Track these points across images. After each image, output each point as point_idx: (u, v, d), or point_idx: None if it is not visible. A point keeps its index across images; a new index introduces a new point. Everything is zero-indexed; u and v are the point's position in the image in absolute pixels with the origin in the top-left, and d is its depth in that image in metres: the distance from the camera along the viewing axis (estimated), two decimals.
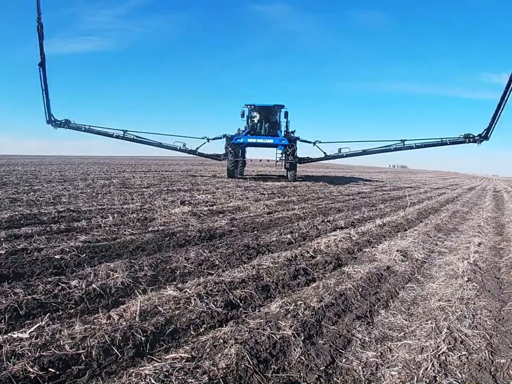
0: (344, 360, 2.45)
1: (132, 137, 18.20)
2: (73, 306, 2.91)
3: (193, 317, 2.80)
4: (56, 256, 3.97)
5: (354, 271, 4.15)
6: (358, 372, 2.33)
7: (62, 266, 3.77)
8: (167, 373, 2.07)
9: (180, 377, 2.05)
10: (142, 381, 2.00)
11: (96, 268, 3.69)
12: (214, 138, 18.92)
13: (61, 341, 2.31)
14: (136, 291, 3.24)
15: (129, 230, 5.51)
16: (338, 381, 2.25)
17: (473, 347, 2.65)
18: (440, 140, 16.89)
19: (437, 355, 2.49)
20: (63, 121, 17.25)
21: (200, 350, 2.39)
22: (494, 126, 14.96)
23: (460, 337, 2.77)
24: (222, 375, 2.12)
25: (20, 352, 2.17)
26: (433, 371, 2.33)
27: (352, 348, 2.60)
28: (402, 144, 17.16)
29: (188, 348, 2.42)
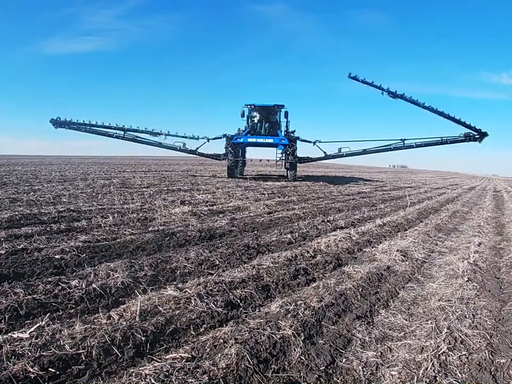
0: (344, 360, 2.45)
1: (132, 137, 18.22)
2: (73, 306, 2.91)
3: (193, 317, 2.80)
4: (56, 256, 3.97)
5: (355, 271, 4.15)
6: (358, 371, 2.33)
7: (62, 266, 3.77)
8: (167, 373, 2.07)
9: (180, 377, 2.05)
10: (142, 381, 2.00)
11: (96, 267, 3.69)
12: (214, 138, 18.92)
13: (61, 341, 2.31)
14: (136, 291, 3.24)
15: (129, 230, 5.51)
16: (338, 381, 2.25)
17: (473, 347, 2.65)
18: (440, 138, 16.95)
19: (437, 355, 2.49)
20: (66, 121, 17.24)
21: (200, 350, 2.39)
22: None
23: (460, 337, 2.77)
24: (222, 375, 2.12)
25: (20, 352, 2.17)
26: (433, 371, 2.33)
27: (352, 348, 2.60)
28: (402, 143, 17.21)
29: (188, 347, 2.42)
